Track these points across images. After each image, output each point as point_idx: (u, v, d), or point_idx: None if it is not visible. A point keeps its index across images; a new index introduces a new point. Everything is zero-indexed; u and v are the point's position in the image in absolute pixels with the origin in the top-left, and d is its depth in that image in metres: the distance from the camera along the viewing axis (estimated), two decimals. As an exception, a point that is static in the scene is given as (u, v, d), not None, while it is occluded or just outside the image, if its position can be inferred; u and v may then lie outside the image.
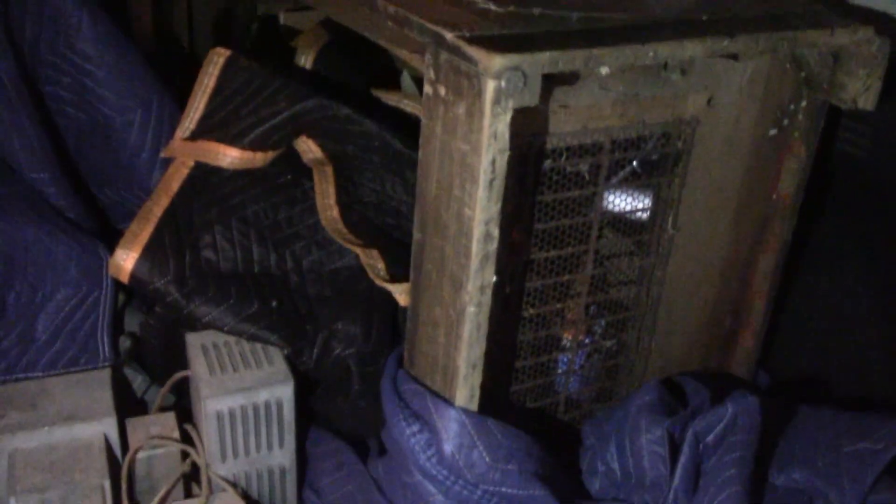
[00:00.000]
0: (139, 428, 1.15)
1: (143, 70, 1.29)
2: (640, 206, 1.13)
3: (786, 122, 1.17)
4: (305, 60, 1.43)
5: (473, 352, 0.96)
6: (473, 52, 0.84)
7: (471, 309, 0.94)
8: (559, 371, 1.18)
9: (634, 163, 1.13)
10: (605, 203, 1.10)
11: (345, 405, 1.20)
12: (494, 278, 0.93)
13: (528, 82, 0.85)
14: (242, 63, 1.29)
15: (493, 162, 0.87)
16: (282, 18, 1.71)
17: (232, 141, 1.23)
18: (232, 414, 1.11)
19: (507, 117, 0.85)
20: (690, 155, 1.12)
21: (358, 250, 1.18)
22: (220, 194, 1.24)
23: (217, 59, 1.30)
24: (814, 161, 1.20)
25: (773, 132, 1.17)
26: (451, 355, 0.97)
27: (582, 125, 1.02)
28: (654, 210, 1.14)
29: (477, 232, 0.90)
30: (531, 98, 0.86)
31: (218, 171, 1.25)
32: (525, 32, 0.89)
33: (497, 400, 1.12)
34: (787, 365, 1.41)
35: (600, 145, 1.04)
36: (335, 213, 1.25)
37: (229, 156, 1.24)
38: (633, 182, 1.11)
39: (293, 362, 1.17)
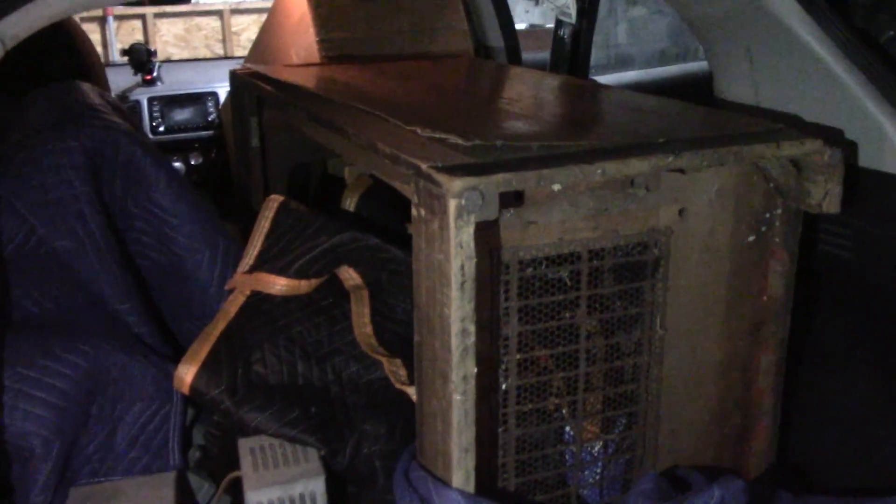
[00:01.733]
0: (196, 522, 1.32)
1: (210, 217, 1.53)
2: (628, 309, 1.26)
3: (763, 228, 1.29)
4: (350, 204, 1.65)
5: (464, 437, 1.09)
6: (440, 177, 1.02)
7: (457, 397, 1.08)
8: (566, 465, 1.28)
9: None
10: (593, 306, 1.23)
11: (373, 500, 1.33)
12: (475, 369, 1.07)
13: (486, 199, 1.02)
14: (292, 207, 1.52)
15: (462, 267, 1.03)
16: (346, 174, 1.96)
17: (281, 272, 1.44)
18: (271, 505, 1.26)
19: (471, 229, 1.02)
20: (669, 261, 1.25)
21: (383, 360, 1.35)
22: (270, 317, 1.44)
23: (272, 205, 1.53)
24: (800, 263, 1.31)
25: (751, 238, 1.29)
26: (446, 441, 1.11)
27: (558, 237, 1.18)
28: (642, 312, 1.27)
29: (454, 328, 1.05)
30: (490, 213, 1.03)
31: (270, 297, 1.45)
32: (488, 161, 1.07)
33: (505, 492, 1.24)
34: (803, 464, 1.46)
35: (578, 254, 1.19)
36: (368, 330, 1.42)
37: (278, 284, 1.44)
38: (617, 286, 1.24)
39: (329, 461, 1.32)
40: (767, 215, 1.29)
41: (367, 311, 1.44)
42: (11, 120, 1.50)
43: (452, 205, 1.01)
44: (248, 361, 1.38)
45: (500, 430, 1.22)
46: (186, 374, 1.35)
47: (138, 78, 2.88)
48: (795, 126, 1.27)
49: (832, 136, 1.25)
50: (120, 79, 2.80)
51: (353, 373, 1.42)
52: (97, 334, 1.37)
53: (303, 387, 1.39)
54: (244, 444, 1.35)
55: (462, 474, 1.11)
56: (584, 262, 1.20)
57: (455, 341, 1.06)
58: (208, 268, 1.53)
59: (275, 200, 1.53)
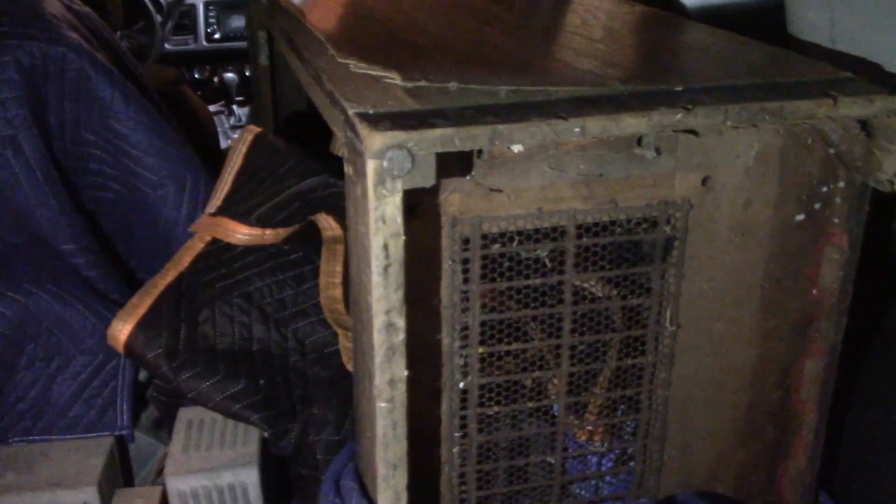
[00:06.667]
0: (124, 499, 1.16)
1: (177, 148, 1.33)
2: (627, 298, 1.01)
3: (817, 205, 1.01)
4: (340, 147, 1.42)
5: (391, 451, 0.88)
6: (361, 129, 0.79)
7: (381, 404, 0.86)
8: (542, 477, 1.06)
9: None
10: (582, 293, 0.99)
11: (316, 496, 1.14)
12: (405, 373, 0.85)
13: (418, 162, 0.78)
14: (269, 141, 1.31)
15: (386, 247, 0.80)
16: None
17: (242, 218, 1.24)
18: (195, 494, 1.09)
19: (397, 199, 0.79)
20: (685, 242, 0.99)
21: (340, 332, 1.14)
22: (228, 270, 1.25)
23: (247, 137, 1.32)
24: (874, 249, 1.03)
25: (800, 217, 1.01)
26: (372, 453, 0.90)
27: (536, 207, 0.93)
28: (648, 303, 1.01)
29: (377, 322, 0.83)
30: (424, 179, 0.79)
31: (231, 247, 1.26)
32: (431, 108, 0.82)
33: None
34: (861, 492, 1.19)
35: (562, 229, 0.94)
36: (337, 292, 1.22)
37: (239, 232, 1.24)
38: (613, 271, 0.99)
39: (273, 445, 1.14)
40: (825, 189, 1.00)
41: (339, 269, 1.23)
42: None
43: (371, 167, 0.77)
44: (194, 321, 1.20)
45: (456, 435, 1.00)
46: (120, 331, 1.18)
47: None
48: (872, 76, 0.97)
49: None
50: None
51: (318, 340, 1.22)
52: (26, 279, 1.21)
53: (257, 354, 1.20)
54: (182, 416, 1.19)
55: (390, 495, 0.90)
56: (571, 238, 0.95)
57: (378, 338, 0.83)
58: (174, 205, 1.35)
59: (250, 132, 1.33)
